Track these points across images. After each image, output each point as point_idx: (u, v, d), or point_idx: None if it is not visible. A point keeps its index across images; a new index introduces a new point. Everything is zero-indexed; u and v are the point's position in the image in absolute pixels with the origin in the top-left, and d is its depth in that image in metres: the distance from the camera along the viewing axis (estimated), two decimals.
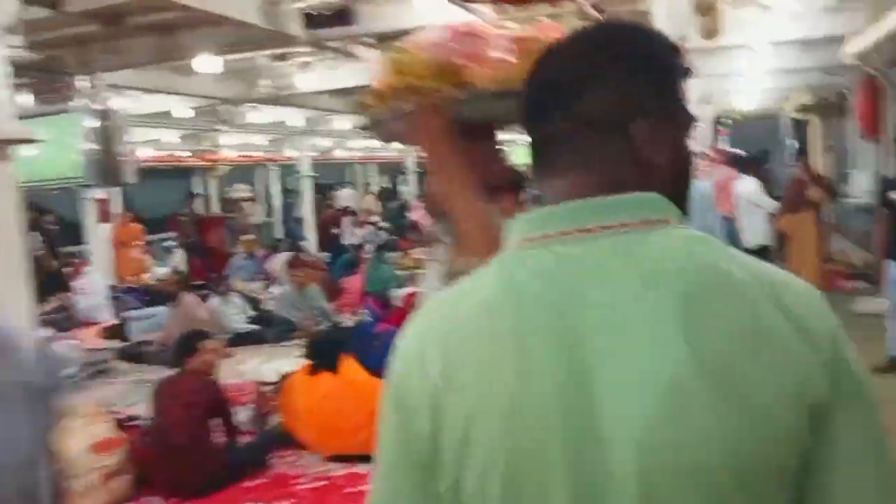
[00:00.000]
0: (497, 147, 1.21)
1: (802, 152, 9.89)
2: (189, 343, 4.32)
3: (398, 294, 8.55)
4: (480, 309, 0.77)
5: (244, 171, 18.19)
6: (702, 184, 6.80)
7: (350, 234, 14.10)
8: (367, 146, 19.27)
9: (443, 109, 1.10)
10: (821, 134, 13.56)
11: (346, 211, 15.64)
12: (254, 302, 8.69)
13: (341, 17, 5.58)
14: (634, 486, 0.68)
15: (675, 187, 0.82)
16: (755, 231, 7.31)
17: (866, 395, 0.74)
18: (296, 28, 6.06)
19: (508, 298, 0.76)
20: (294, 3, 5.98)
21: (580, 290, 0.74)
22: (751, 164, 7.87)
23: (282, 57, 8.52)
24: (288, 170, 17.39)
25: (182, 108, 11.20)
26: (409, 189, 19.79)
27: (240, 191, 17.05)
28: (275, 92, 9.19)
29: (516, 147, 8.57)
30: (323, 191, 17.60)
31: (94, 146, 7.03)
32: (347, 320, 7.75)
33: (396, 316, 6.78)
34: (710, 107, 10.51)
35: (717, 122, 12.97)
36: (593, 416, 0.70)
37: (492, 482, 0.72)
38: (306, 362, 4.66)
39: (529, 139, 0.86)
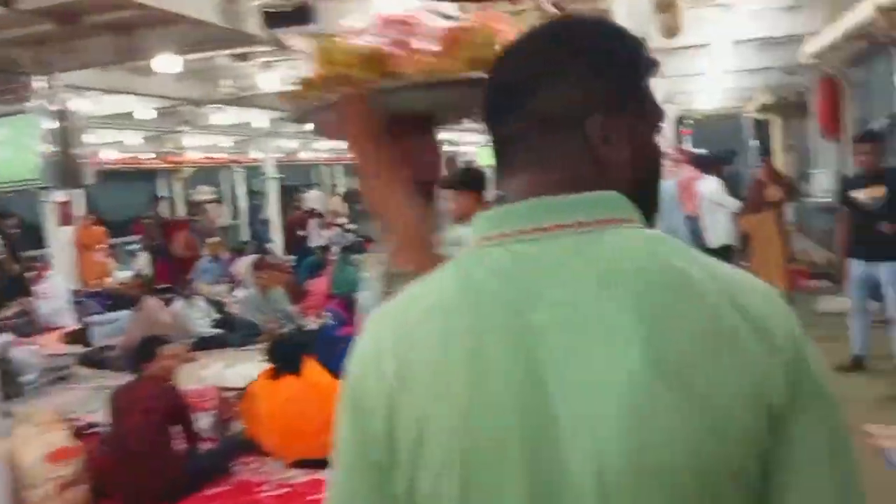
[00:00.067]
0: (432, 142, 1.17)
1: (766, 152, 10.00)
2: (147, 348, 4.24)
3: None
4: (436, 308, 0.76)
5: (209, 173, 18.03)
6: (666, 183, 6.84)
7: (316, 236, 14.01)
8: (333, 147, 19.19)
9: (369, 100, 1.05)
10: (782, 134, 13.76)
11: (312, 213, 15.55)
12: (218, 305, 8.61)
13: (300, 14, 5.50)
14: (592, 487, 0.67)
15: (640, 185, 0.81)
16: (718, 231, 7.37)
17: (826, 396, 0.73)
18: (255, 27, 5.99)
19: (465, 297, 0.75)
20: (253, 1, 5.91)
21: (537, 289, 0.73)
22: (713, 163, 7.93)
23: (243, 57, 8.44)
24: (254, 172, 17.26)
25: (144, 110, 11.05)
26: None
27: (204, 193, 16.88)
28: (237, 93, 9.10)
29: (482, 147, 8.60)
30: (289, 192, 17.48)
31: (52, 148, 6.90)
32: (311, 323, 7.69)
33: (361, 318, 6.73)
34: (673, 107, 10.62)
35: (680, 122, 13.09)
36: (550, 415, 0.69)
37: (448, 483, 0.71)
38: (268, 366, 4.61)
39: (491, 140, 0.85)
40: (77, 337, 7.83)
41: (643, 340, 0.68)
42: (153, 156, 15.89)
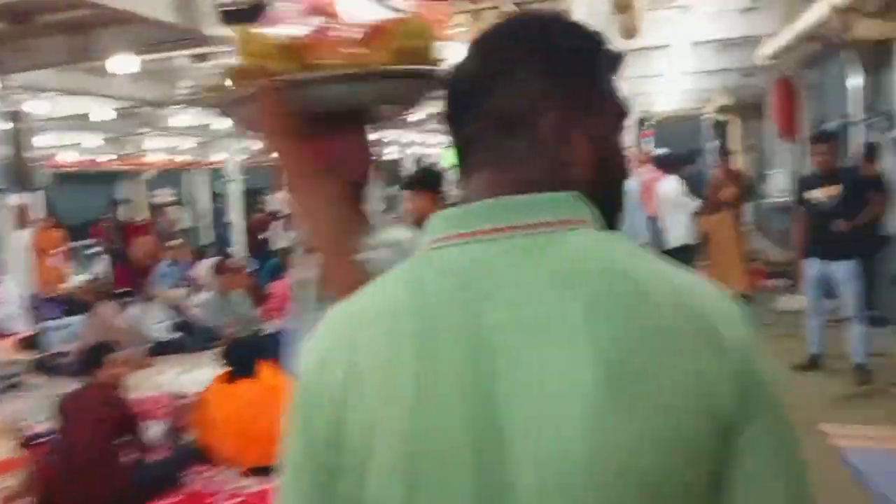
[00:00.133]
0: (363, 140, 1.10)
1: (726, 153, 10.13)
2: (95, 356, 4.14)
3: None
4: (387, 311, 0.75)
5: (171, 176, 17.80)
6: (630, 184, 6.87)
7: (279, 238, 13.88)
8: None
9: (284, 94, 0.99)
10: (741, 135, 13.95)
11: (275, 215, 15.40)
12: (177, 309, 8.49)
13: (257, 11, 5.43)
14: (536, 491, 0.65)
15: (603, 185, 0.80)
16: (678, 231, 7.44)
17: (778, 407, 0.70)
18: (211, 26, 5.91)
19: (416, 299, 0.74)
20: None
21: (488, 291, 0.71)
22: (674, 164, 8.00)
23: (202, 58, 8.32)
24: (217, 174, 17.08)
25: (102, 111, 10.87)
26: None
27: (164, 195, 16.68)
28: (197, 94, 8.98)
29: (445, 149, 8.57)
30: (253, 195, 17.32)
31: (4, 149, 6.77)
32: (271, 326, 7.61)
33: None
34: (633, 108, 10.70)
35: (642, 123, 13.20)
36: (499, 418, 0.67)
37: (395, 486, 0.69)
38: (223, 370, 4.55)
39: (452, 140, 0.84)
40: (31, 343, 7.68)
41: (593, 343, 0.67)
42: (114, 157, 15.64)
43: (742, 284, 7.37)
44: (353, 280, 0.99)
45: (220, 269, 8.15)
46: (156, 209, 15.98)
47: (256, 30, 1.04)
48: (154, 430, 4.49)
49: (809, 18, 6.09)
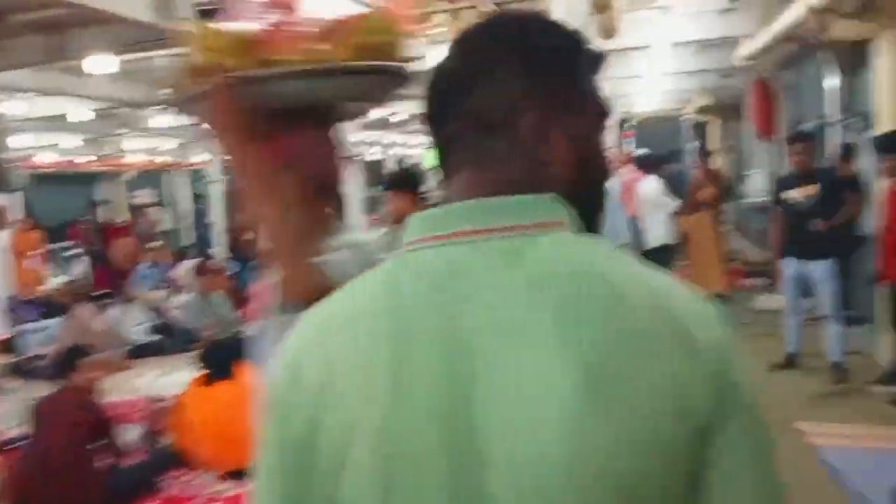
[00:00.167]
0: (328, 139, 1.08)
1: (706, 154, 10.18)
2: (69, 359, 4.10)
3: None
4: (362, 312, 0.74)
5: (152, 177, 17.66)
6: (611, 184, 6.88)
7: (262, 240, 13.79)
8: None
9: (238, 90, 0.96)
10: (721, 135, 14.03)
11: None
12: (157, 311, 8.42)
13: None
14: (511, 494, 0.65)
15: (584, 185, 0.79)
16: (658, 231, 7.45)
17: (752, 407, 0.70)
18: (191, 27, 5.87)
19: (391, 300, 0.73)
20: None
21: (465, 294, 0.71)
22: (654, 164, 8.02)
23: (181, 58, 8.25)
24: (198, 175, 16.96)
25: (80, 111, 10.76)
26: None
27: (144, 196, 16.54)
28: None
29: (427, 149, 8.55)
30: (235, 196, 17.20)
31: None
32: (251, 328, 7.56)
33: None
34: (614, 109, 10.73)
35: (623, 123, 13.25)
36: (474, 420, 0.67)
37: (369, 489, 0.69)
38: (201, 373, 4.51)
39: (433, 141, 0.83)
40: (8, 346, 7.59)
41: (566, 346, 0.66)
42: (94, 158, 15.49)
43: (721, 284, 7.41)
44: (311, 284, 0.97)
45: (200, 271, 8.09)
46: (136, 210, 15.85)
47: (213, 25, 1.02)
48: (131, 433, 4.45)
49: (786, 19, 6.12)
